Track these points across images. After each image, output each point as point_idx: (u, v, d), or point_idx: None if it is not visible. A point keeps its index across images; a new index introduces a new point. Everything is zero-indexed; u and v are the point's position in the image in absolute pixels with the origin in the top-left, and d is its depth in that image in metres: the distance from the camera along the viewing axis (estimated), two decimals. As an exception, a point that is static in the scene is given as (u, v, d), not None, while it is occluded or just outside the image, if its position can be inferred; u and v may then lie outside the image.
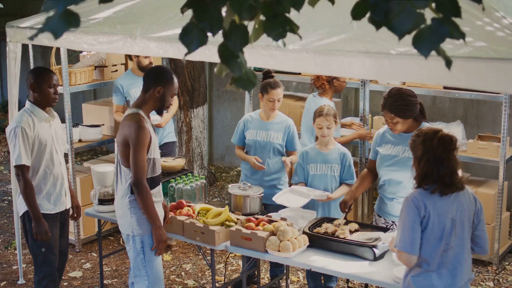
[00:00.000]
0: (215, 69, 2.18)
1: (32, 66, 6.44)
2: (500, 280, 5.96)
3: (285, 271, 5.38)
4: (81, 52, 6.93)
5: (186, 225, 4.71)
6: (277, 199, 5.03)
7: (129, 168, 4.29)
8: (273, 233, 4.48)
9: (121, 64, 6.89)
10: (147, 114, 4.37)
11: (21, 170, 4.61)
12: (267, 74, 5.63)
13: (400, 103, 4.48)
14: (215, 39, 2.02)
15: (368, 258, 4.28)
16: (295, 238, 4.42)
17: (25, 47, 5.83)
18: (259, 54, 4.04)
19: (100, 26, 5.00)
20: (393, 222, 4.70)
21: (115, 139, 4.56)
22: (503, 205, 6.17)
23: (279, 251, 4.37)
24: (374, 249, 4.28)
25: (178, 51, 4.49)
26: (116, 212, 4.53)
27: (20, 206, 4.82)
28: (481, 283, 5.90)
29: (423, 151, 3.51)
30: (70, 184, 5.08)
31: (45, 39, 5.16)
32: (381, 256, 4.31)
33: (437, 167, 3.47)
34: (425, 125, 4.56)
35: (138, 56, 6.42)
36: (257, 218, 4.73)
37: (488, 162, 6.23)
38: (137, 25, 4.79)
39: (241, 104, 8.53)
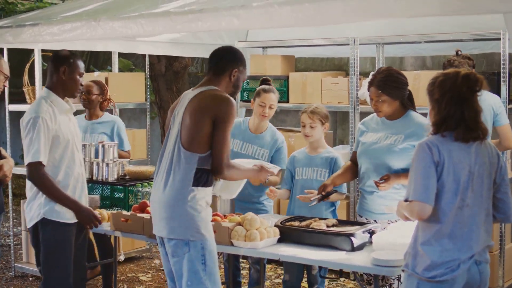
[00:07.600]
0: None
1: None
2: (507, 315, 5.34)
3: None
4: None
5: (146, 222, 4.25)
6: None
7: (194, 152, 3.53)
8: (239, 224, 4.01)
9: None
10: None
11: (37, 168, 3.86)
12: (264, 81, 5.13)
13: (388, 79, 4.11)
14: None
15: (345, 249, 3.78)
16: (264, 229, 3.94)
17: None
18: (222, 15, 3.77)
19: (66, 19, 4.86)
20: (375, 220, 4.19)
21: (176, 119, 3.68)
22: (507, 235, 5.63)
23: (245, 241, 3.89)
24: (351, 237, 3.78)
25: (142, 29, 4.23)
26: (161, 212, 3.61)
27: (32, 214, 3.99)
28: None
29: (444, 91, 3.07)
30: None
31: (10, 36, 5.03)
32: (360, 247, 3.80)
33: (461, 108, 3.04)
34: (413, 114, 4.19)
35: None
36: (225, 216, 4.28)
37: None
38: (104, 14, 4.60)
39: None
